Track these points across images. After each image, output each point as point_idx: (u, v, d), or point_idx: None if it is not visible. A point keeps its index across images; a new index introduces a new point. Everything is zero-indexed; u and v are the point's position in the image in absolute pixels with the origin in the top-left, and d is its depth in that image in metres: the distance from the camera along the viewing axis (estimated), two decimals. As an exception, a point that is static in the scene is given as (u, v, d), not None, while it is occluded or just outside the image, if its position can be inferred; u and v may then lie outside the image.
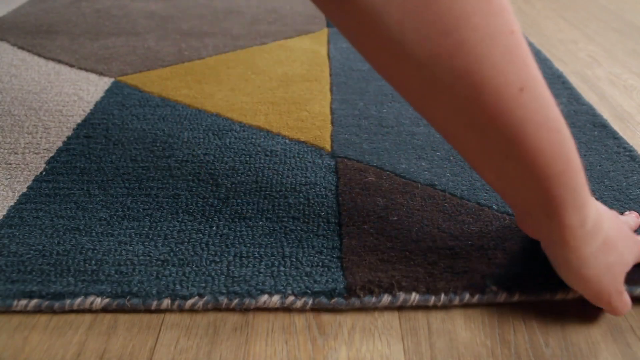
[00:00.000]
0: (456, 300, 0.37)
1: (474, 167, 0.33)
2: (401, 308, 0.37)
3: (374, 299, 0.37)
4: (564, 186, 0.30)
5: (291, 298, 0.37)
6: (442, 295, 0.37)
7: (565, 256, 0.33)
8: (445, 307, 0.37)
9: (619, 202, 0.47)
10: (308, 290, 0.37)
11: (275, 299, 0.37)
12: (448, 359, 0.34)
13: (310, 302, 0.37)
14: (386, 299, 0.37)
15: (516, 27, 0.26)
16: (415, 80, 0.27)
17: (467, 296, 0.37)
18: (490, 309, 0.37)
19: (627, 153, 0.54)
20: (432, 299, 0.37)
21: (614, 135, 0.56)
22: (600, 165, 0.52)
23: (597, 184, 0.49)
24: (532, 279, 0.38)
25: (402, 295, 0.37)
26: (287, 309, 0.37)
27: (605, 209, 0.35)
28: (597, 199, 0.46)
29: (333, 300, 0.37)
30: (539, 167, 0.29)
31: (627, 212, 0.43)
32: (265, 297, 0.37)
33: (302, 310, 0.37)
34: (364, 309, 0.37)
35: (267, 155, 0.53)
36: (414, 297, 0.37)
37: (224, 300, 0.37)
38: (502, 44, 0.26)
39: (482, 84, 0.26)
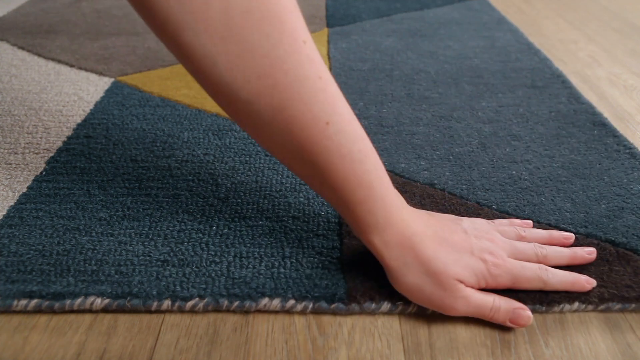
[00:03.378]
0: None
1: (310, 186, 0.37)
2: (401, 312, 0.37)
3: (373, 306, 0.37)
4: (366, 211, 0.35)
5: (291, 302, 0.37)
6: None
7: (384, 267, 0.36)
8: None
9: (620, 196, 0.47)
10: (308, 295, 0.37)
11: (276, 302, 0.37)
12: (448, 359, 0.34)
13: (311, 306, 0.37)
14: (386, 306, 0.37)
15: (324, 75, 0.33)
16: (245, 115, 0.33)
17: None
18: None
19: (627, 150, 0.54)
20: (431, 309, 0.36)
21: (614, 134, 0.56)
22: (600, 164, 0.52)
23: (597, 180, 0.49)
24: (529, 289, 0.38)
25: (401, 305, 0.37)
26: (287, 311, 0.37)
27: (423, 226, 0.36)
28: (596, 195, 0.46)
29: (333, 305, 0.37)
30: (345, 193, 0.34)
31: (518, 221, 0.42)
32: (265, 300, 0.37)
33: (302, 312, 0.37)
34: (363, 312, 0.37)
35: (267, 155, 0.53)
36: (413, 306, 0.37)
37: (224, 302, 0.37)
38: (310, 86, 0.32)
39: (294, 118, 0.32)
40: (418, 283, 0.35)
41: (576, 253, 0.39)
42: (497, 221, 0.41)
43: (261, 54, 0.30)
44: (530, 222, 0.43)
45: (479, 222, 0.39)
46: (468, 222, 0.39)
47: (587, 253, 0.39)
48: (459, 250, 0.35)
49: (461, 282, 0.35)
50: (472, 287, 0.35)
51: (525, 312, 0.35)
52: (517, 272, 0.36)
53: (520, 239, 0.39)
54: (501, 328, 0.36)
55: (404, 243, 0.35)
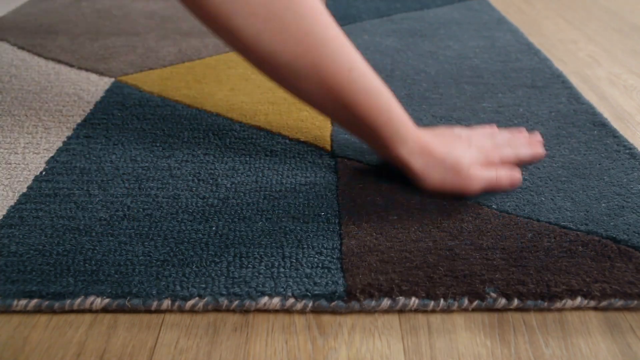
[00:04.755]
0: (455, 306, 0.37)
1: (340, 125, 0.48)
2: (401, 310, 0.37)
3: (373, 303, 0.37)
4: (391, 131, 0.44)
5: (291, 300, 0.37)
6: (442, 301, 0.37)
7: (411, 174, 0.47)
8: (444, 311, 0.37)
9: (620, 196, 0.47)
10: (308, 293, 0.37)
11: (275, 301, 0.37)
12: (448, 359, 0.34)
13: (310, 304, 0.37)
14: (386, 302, 0.37)
15: (341, 34, 0.41)
16: (287, 75, 0.41)
17: (465, 302, 0.37)
18: (491, 309, 0.37)
19: (627, 151, 0.54)
20: (431, 304, 0.37)
21: (614, 134, 0.56)
22: (600, 164, 0.52)
23: (597, 180, 0.49)
24: (530, 285, 0.38)
25: (401, 300, 0.37)
26: (287, 310, 0.37)
27: (430, 136, 0.47)
28: (596, 195, 0.47)
29: (333, 303, 0.37)
30: (372, 121, 0.44)
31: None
32: (265, 299, 0.37)
33: (302, 311, 0.37)
34: (363, 311, 0.37)
35: (267, 155, 0.53)
36: (414, 301, 0.37)
37: (224, 301, 0.37)
38: (333, 45, 0.40)
39: (325, 70, 0.40)
40: (441, 178, 0.45)
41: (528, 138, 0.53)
42: (473, 128, 0.53)
43: (295, 28, 0.38)
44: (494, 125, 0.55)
45: (460, 128, 0.51)
46: (457, 129, 0.50)
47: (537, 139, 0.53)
48: (461, 145, 0.47)
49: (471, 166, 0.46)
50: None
51: (518, 173, 0.47)
52: (500, 153, 0.49)
53: (492, 137, 0.51)
54: (501, 328, 0.36)
55: (423, 150, 0.45)
